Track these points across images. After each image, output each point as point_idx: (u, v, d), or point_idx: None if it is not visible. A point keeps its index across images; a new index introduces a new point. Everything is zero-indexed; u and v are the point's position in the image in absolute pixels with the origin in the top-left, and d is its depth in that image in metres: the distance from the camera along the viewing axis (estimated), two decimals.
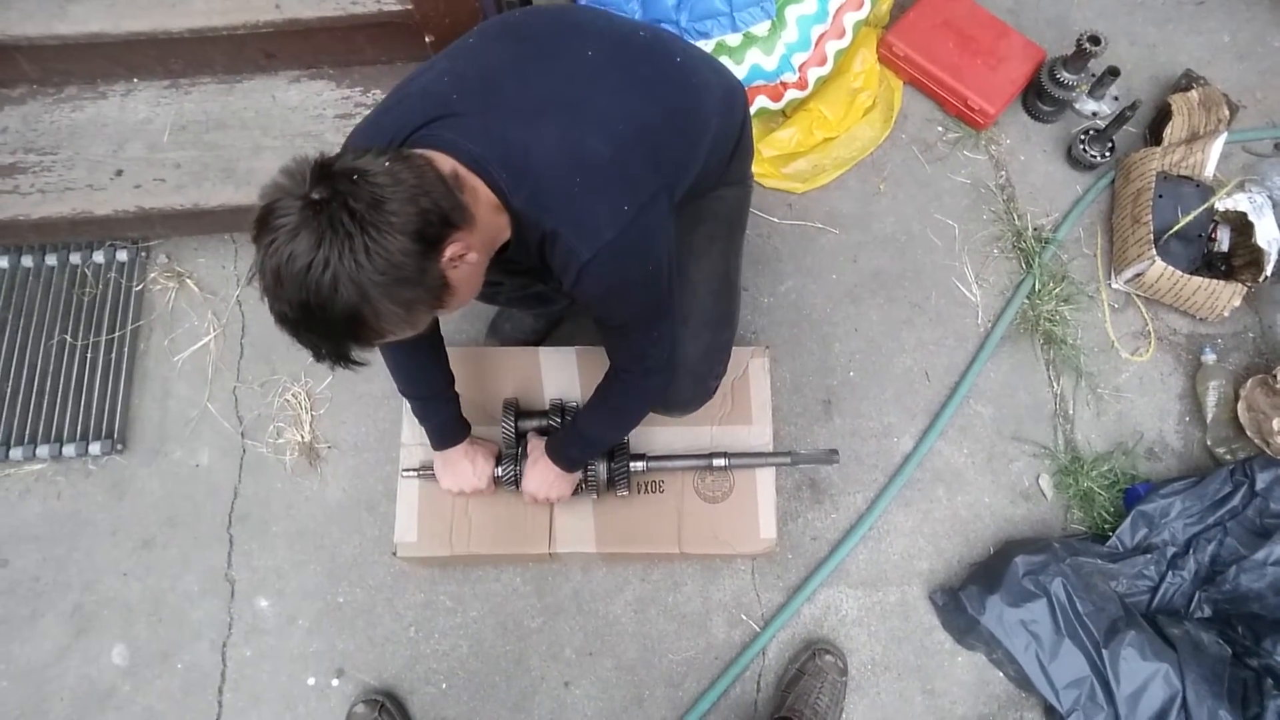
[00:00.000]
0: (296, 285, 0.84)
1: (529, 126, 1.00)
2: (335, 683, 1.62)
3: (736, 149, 1.29)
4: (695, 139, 1.15)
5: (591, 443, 1.37)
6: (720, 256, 1.39)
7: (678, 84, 1.14)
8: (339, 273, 0.83)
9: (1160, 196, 1.79)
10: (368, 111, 1.74)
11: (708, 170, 1.22)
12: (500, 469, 1.46)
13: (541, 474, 1.40)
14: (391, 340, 0.95)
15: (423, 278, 0.90)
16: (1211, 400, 1.76)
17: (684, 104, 1.14)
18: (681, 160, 1.13)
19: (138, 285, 1.87)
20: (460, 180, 0.96)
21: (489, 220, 1.00)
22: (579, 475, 1.44)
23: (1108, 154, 1.92)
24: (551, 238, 1.02)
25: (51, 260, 1.88)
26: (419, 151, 0.94)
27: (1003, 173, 1.98)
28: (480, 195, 0.99)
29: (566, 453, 1.38)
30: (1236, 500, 1.57)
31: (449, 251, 0.92)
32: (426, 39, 1.57)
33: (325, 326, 0.88)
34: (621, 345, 1.21)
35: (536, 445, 1.43)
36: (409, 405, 1.41)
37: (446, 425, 1.40)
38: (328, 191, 0.83)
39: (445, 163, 0.96)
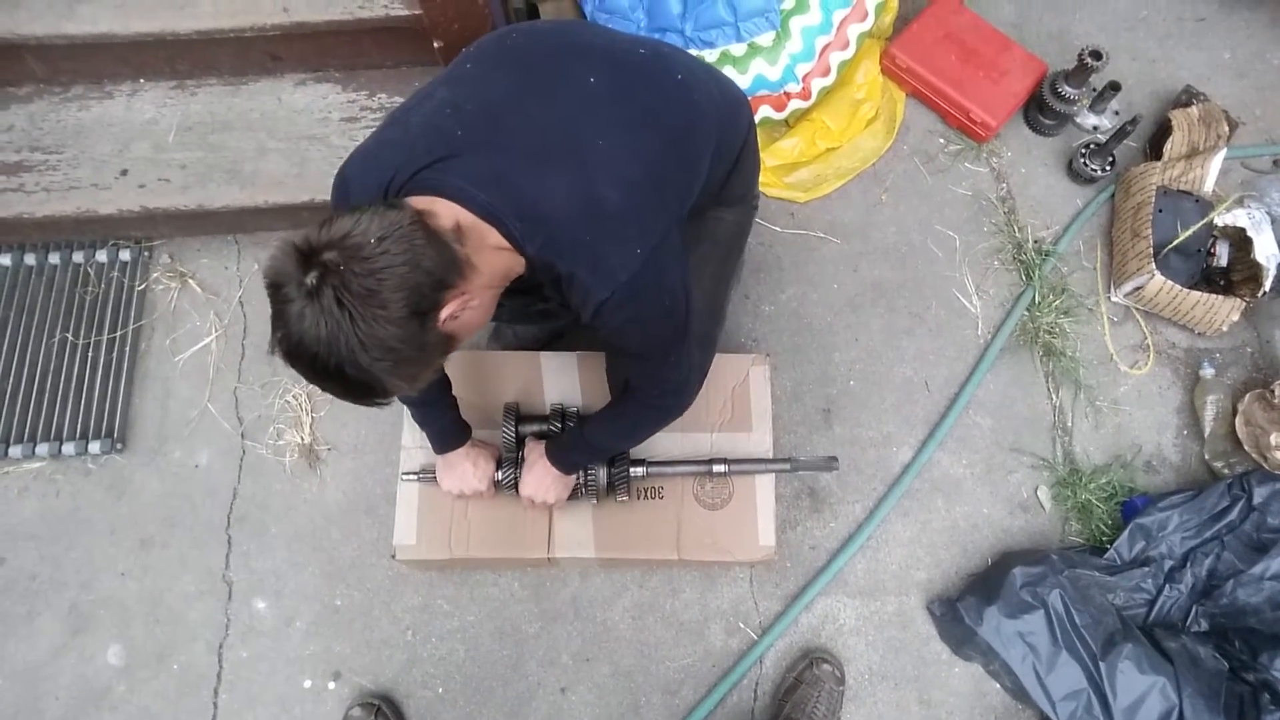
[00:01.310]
0: (308, 365, 0.89)
1: (538, 173, 1.00)
2: (332, 685, 1.61)
3: (737, 163, 1.29)
4: (697, 159, 1.15)
5: (597, 451, 1.38)
6: (711, 280, 1.40)
7: (679, 104, 1.13)
8: (343, 359, 0.87)
9: (1160, 211, 1.80)
10: (373, 115, 1.79)
11: (710, 184, 1.22)
12: (500, 473, 1.46)
13: (539, 476, 1.41)
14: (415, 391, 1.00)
15: (423, 351, 0.93)
16: (1209, 414, 1.76)
17: (685, 123, 1.13)
18: (687, 187, 1.14)
19: (140, 285, 1.88)
20: (462, 232, 0.95)
21: (495, 263, 1.01)
22: (575, 479, 1.44)
23: (1108, 168, 1.93)
24: (568, 278, 1.03)
25: (55, 259, 1.88)
26: (415, 207, 0.92)
27: (1004, 185, 2.00)
28: (488, 240, 0.99)
29: (569, 457, 1.38)
30: (1234, 514, 1.57)
31: (445, 312, 0.93)
32: (435, 44, 1.58)
33: (343, 391, 0.93)
34: (639, 371, 1.22)
35: (535, 448, 1.43)
36: (408, 411, 1.41)
37: (447, 430, 1.41)
38: (318, 279, 0.84)
39: (447, 216, 0.95)
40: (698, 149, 1.15)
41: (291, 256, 0.86)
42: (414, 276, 0.88)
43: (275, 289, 0.87)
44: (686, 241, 1.30)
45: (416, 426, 1.55)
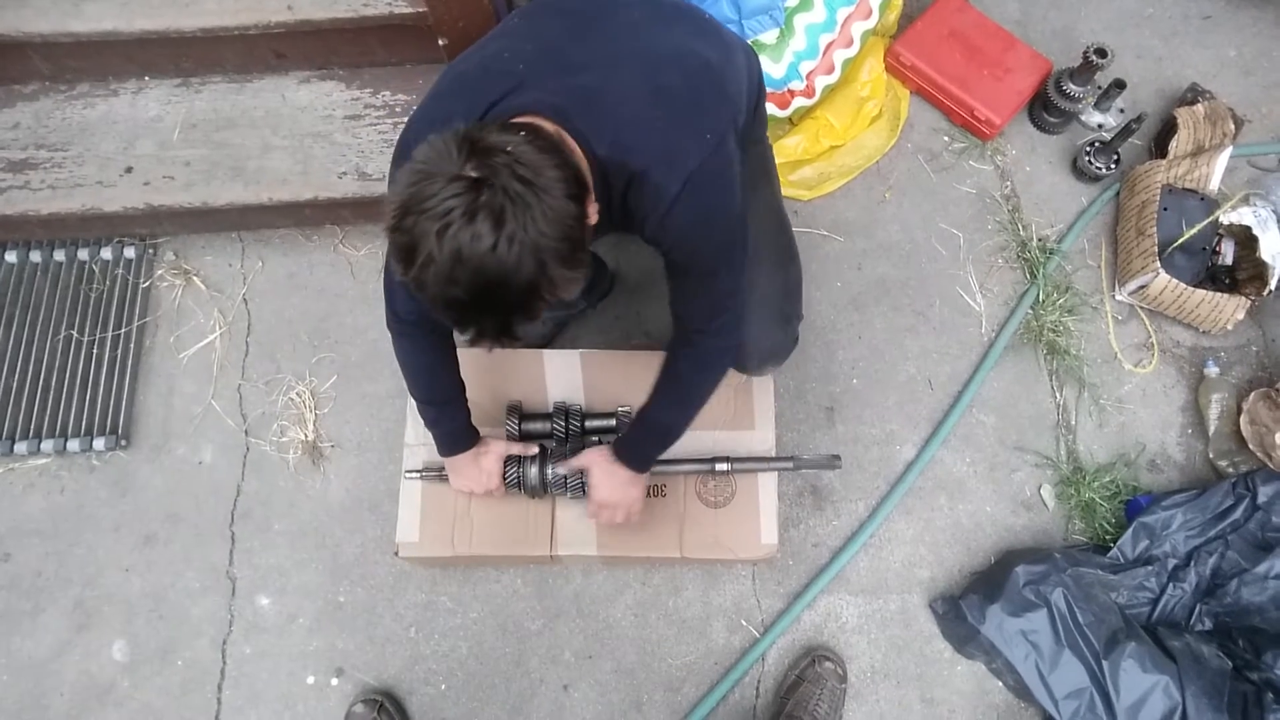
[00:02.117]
0: (480, 266, 0.82)
1: (603, 75, 1.02)
2: (334, 682, 1.62)
3: (758, 107, 1.33)
4: (737, 89, 1.18)
5: (666, 431, 1.32)
6: (769, 195, 1.41)
7: (715, 37, 1.18)
8: (524, 245, 0.82)
9: (1165, 209, 1.80)
10: (377, 112, 1.79)
11: (747, 118, 1.24)
12: (505, 472, 1.46)
13: (611, 481, 1.34)
14: (572, 294, 0.94)
15: (584, 239, 0.90)
16: (1214, 413, 1.76)
17: (723, 55, 1.16)
18: (739, 95, 1.16)
19: (144, 282, 1.88)
20: (569, 143, 0.96)
21: (590, 179, 1.00)
22: (647, 478, 1.38)
23: (1113, 166, 1.93)
24: (639, 180, 1.02)
25: (60, 256, 1.89)
26: (532, 119, 0.94)
27: (1008, 183, 1.99)
28: (579, 155, 0.98)
29: (640, 452, 1.33)
30: (1238, 513, 1.57)
31: (590, 211, 0.92)
32: (440, 41, 1.58)
33: (500, 303, 0.86)
34: (700, 294, 1.17)
35: (599, 454, 1.36)
36: (418, 410, 1.38)
37: (457, 433, 1.39)
38: (485, 168, 0.81)
39: (548, 125, 0.96)
40: (737, 78, 1.18)
41: (441, 153, 0.82)
42: (566, 169, 0.88)
43: (419, 195, 0.81)
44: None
45: (419, 423, 1.55)
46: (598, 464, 1.36)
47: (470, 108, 1.00)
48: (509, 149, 0.83)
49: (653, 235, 1.07)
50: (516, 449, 1.44)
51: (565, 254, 0.86)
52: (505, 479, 1.45)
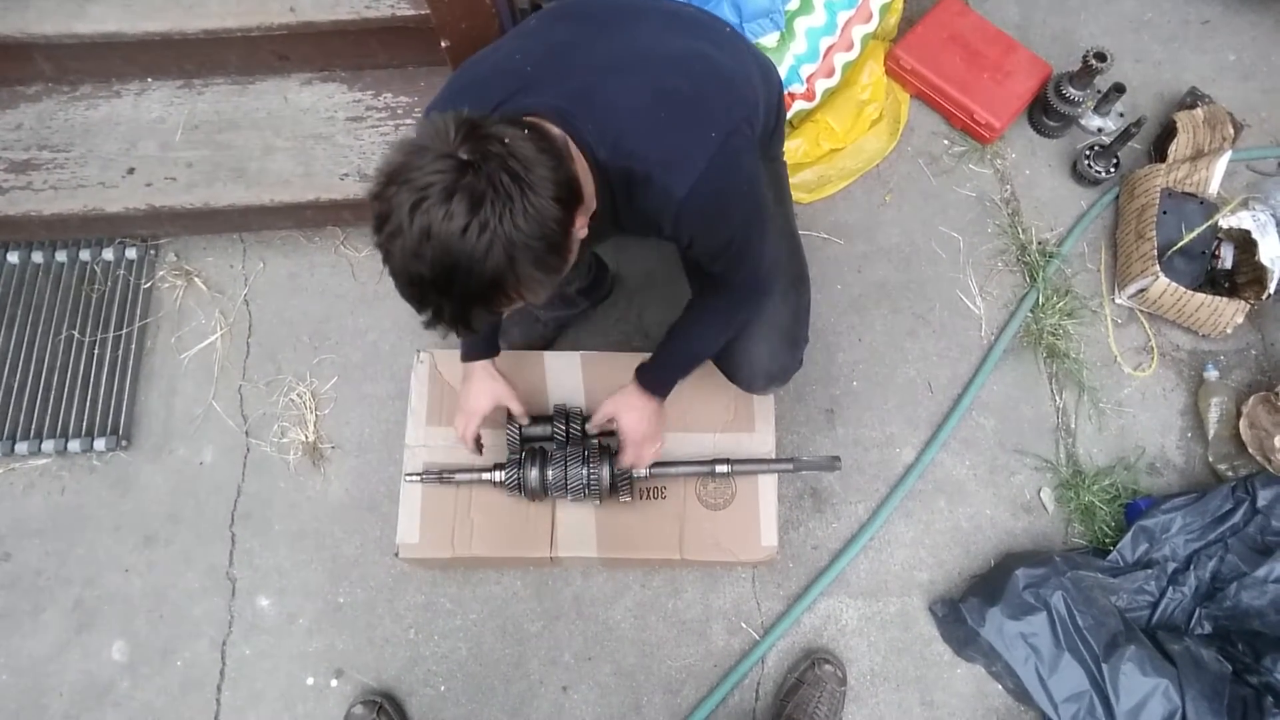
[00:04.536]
0: (447, 246, 0.81)
1: (608, 79, 1.02)
2: (334, 683, 1.62)
3: (776, 127, 1.33)
4: (753, 93, 1.18)
5: (695, 358, 1.33)
6: (783, 219, 1.41)
7: (732, 52, 1.18)
8: (496, 236, 0.81)
9: (1164, 213, 1.80)
10: (379, 114, 1.79)
11: (762, 135, 1.23)
12: (504, 473, 1.46)
13: (642, 417, 1.35)
14: (512, 309, 0.93)
15: (564, 245, 0.89)
16: (1214, 417, 1.76)
17: (737, 74, 1.16)
18: (752, 98, 1.16)
19: (146, 283, 1.88)
20: (570, 151, 0.96)
21: (589, 187, 1.01)
22: (665, 419, 1.40)
23: (1112, 170, 1.93)
24: (643, 182, 1.01)
25: (61, 256, 1.89)
26: (539, 120, 0.94)
27: (1008, 187, 1.99)
28: (580, 163, 0.98)
29: (668, 376, 1.33)
30: (1238, 517, 1.57)
31: (578, 221, 0.92)
32: (442, 44, 1.58)
33: (463, 290, 0.85)
34: (727, 262, 1.17)
35: (622, 399, 1.36)
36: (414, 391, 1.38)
37: (481, 337, 1.36)
38: (477, 153, 0.81)
39: (556, 131, 0.95)
40: (749, 84, 1.18)
41: (439, 133, 0.82)
42: (562, 172, 0.87)
43: (408, 168, 0.81)
44: None
45: (420, 425, 1.55)
46: (625, 407, 1.36)
47: (478, 107, 1.00)
48: (506, 140, 0.83)
49: (671, 234, 1.08)
50: (518, 408, 1.43)
51: (539, 254, 0.85)
52: (504, 481, 1.46)
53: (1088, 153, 1.94)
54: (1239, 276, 1.81)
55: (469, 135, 0.82)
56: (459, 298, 0.86)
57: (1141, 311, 1.87)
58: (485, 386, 1.41)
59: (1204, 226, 1.77)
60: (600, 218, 1.07)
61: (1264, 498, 1.56)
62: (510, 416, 1.49)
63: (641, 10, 1.16)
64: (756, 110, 1.17)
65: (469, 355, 1.40)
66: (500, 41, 1.13)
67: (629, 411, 1.36)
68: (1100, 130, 2.02)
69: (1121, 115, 2.02)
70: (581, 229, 0.95)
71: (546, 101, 0.99)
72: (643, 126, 1.01)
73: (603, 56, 1.06)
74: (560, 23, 1.13)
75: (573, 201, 0.90)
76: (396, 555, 1.52)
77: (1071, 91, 1.91)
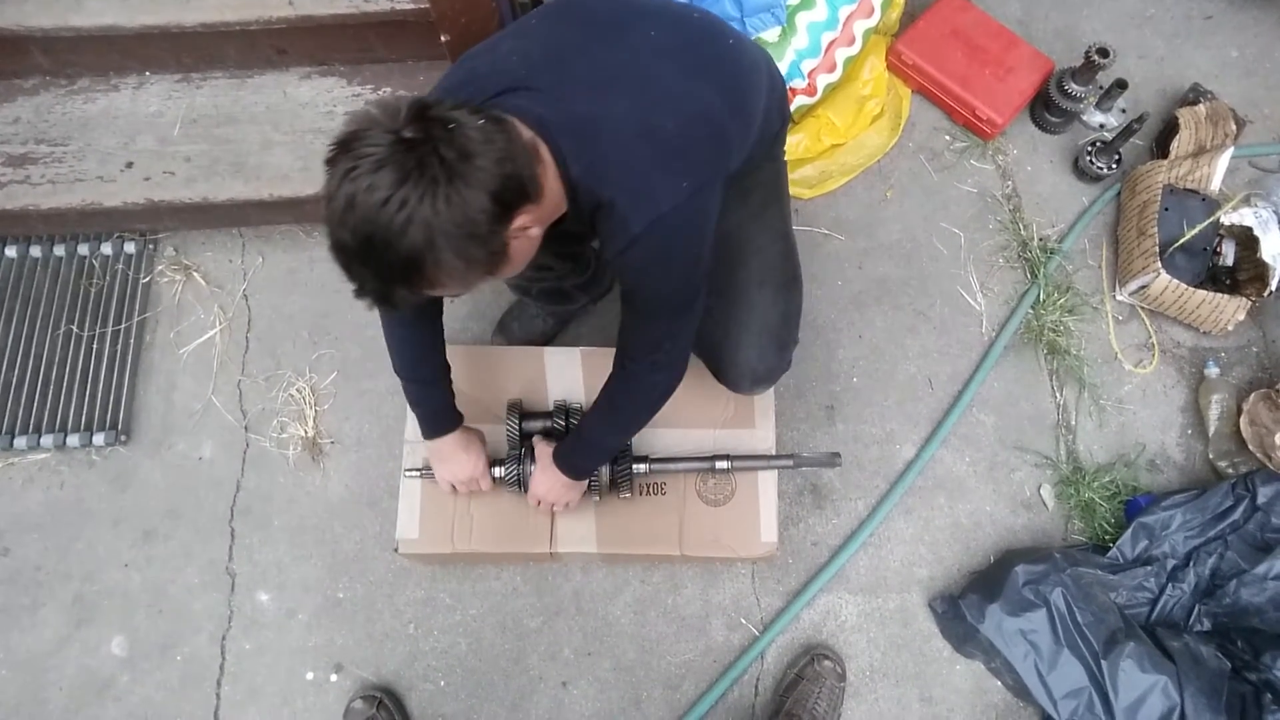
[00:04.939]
0: (367, 216, 0.83)
1: (599, 98, 1.02)
2: (334, 678, 1.62)
3: (780, 130, 1.32)
4: (750, 119, 1.17)
5: (595, 448, 1.36)
6: (778, 219, 1.40)
7: (735, 64, 1.16)
8: (414, 214, 0.83)
9: (1166, 209, 1.80)
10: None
11: (756, 150, 1.23)
12: (503, 469, 1.46)
13: (550, 481, 1.39)
14: (437, 294, 0.95)
15: (490, 240, 0.90)
16: (1214, 414, 1.76)
17: (741, 86, 1.15)
18: (739, 142, 1.15)
19: (145, 277, 1.88)
20: (538, 152, 0.97)
21: (553, 193, 1.01)
22: (585, 485, 1.43)
23: (1114, 166, 1.93)
24: (607, 207, 1.02)
25: (60, 251, 1.88)
26: (509, 117, 0.94)
27: (1009, 183, 1.99)
28: (549, 167, 0.99)
29: (572, 461, 1.36)
30: (1238, 514, 1.57)
31: (518, 221, 0.92)
32: (442, 38, 1.58)
33: (381, 264, 0.87)
34: (643, 327, 1.18)
35: (545, 451, 1.41)
36: (403, 389, 1.38)
37: (440, 413, 1.38)
38: (421, 133, 0.83)
39: (525, 131, 0.96)
40: (751, 111, 1.17)
41: (392, 111, 0.83)
42: (509, 166, 0.88)
43: (355, 136, 0.84)
44: (740, 193, 1.30)
45: (410, 406, 1.54)
46: (543, 468, 1.40)
47: (472, 100, 1.00)
48: (452, 126, 0.84)
49: (610, 261, 1.08)
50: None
51: (458, 242, 0.86)
52: (503, 477, 1.46)
53: (1089, 149, 1.93)
54: (1240, 273, 1.80)
55: (417, 116, 0.84)
56: (378, 272, 0.88)
57: (1142, 308, 1.87)
58: (472, 452, 1.41)
59: (1206, 223, 1.77)
60: (571, 221, 1.08)
61: (1264, 495, 1.56)
62: (509, 411, 1.49)
63: (648, 13, 1.14)
64: (745, 142, 1.17)
65: (435, 431, 1.38)
66: (499, 38, 1.12)
67: (543, 473, 1.40)
68: (1102, 126, 2.01)
69: (1123, 111, 2.02)
70: (529, 229, 0.95)
71: (531, 110, 0.98)
72: (620, 158, 1.01)
73: (598, 68, 1.05)
74: (561, 24, 1.11)
75: (514, 200, 0.91)
76: (396, 550, 1.52)
77: (1073, 87, 1.90)
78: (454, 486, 1.44)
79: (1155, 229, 1.77)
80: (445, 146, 0.83)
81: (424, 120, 0.84)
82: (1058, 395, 1.82)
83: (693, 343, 1.24)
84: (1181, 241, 1.77)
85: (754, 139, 1.20)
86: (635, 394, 1.28)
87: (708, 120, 1.08)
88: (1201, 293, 1.73)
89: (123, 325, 1.83)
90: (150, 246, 1.91)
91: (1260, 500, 1.56)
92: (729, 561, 1.66)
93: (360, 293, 0.92)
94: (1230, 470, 1.71)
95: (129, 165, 1.75)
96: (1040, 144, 2.02)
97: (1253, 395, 1.73)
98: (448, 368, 1.37)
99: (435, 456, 1.42)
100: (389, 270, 0.88)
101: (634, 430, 1.38)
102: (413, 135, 0.83)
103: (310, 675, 1.62)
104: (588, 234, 1.12)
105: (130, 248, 1.89)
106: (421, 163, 0.83)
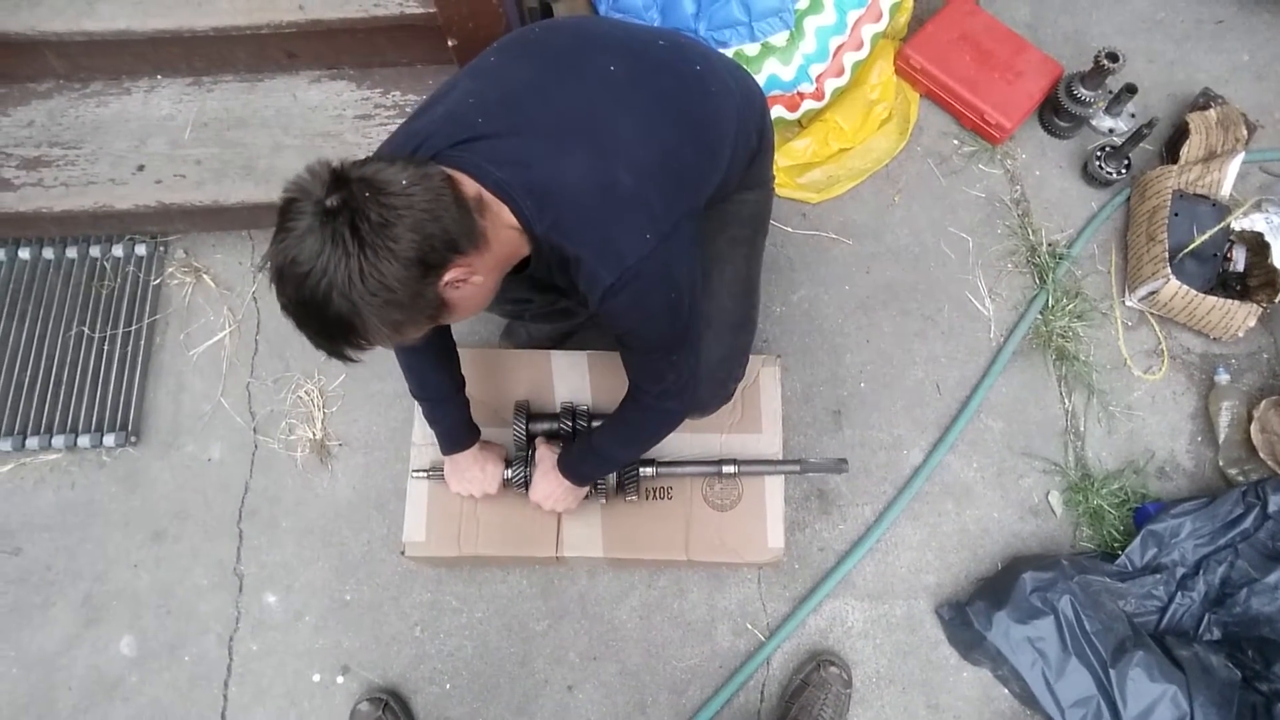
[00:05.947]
0: (295, 285, 0.87)
1: (554, 154, 1.02)
2: (340, 680, 1.63)
3: (758, 152, 1.30)
4: (716, 150, 1.16)
5: (604, 460, 1.37)
6: (743, 261, 1.40)
7: (698, 94, 1.15)
8: (333, 284, 0.86)
9: (1176, 215, 1.79)
10: (387, 112, 1.80)
11: (729, 177, 1.22)
12: (510, 471, 1.46)
13: (551, 485, 1.40)
14: (383, 346, 0.97)
15: (415, 301, 0.92)
16: (1224, 421, 1.75)
17: (705, 116, 1.14)
18: (704, 176, 1.15)
19: (155, 280, 1.89)
20: (483, 204, 0.97)
21: (506, 243, 1.02)
22: (586, 490, 1.43)
23: (1124, 171, 1.92)
24: (576, 262, 1.03)
25: (72, 253, 1.90)
26: (443, 169, 0.95)
27: (1018, 187, 1.98)
28: (503, 218, 1.00)
29: (578, 468, 1.37)
30: (1248, 522, 1.56)
31: (449, 275, 0.93)
32: (449, 42, 1.58)
33: (320, 326, 0.91)
34: (642, 364, 1.21)
35: (547, 455, 1.42)
36: (419, 407, 1.42)
37: (456, 429, 1.40)
38: (339, 201, 0.84)
39: (470, 185, 0.97)
40: (717, 139, 1.16)
41: (319, 177, 0.85)
42: (431, 226, 0.89)
43: (289, 204, 0.86)
44: (714, 227, 1.31)
45: (428, 423, 1.55)
46: (544, 472, 1.41)
47: (425, 153, 1.01)
48: (369, 194, 0.85)
49: (594, 311, 1.09)
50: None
51: (380, 310, 0.88)
52: (510, 479, 1.46)
53: (1099, 154, 1.92)
54: (1251, 279, 1.79)
55: (336, 185, 0.85)
56: (320, 332, 0.92)
57: (1152, 314, 1.86)
58: (489, 466, 1.43)
59: (1216, 229, 1.76)
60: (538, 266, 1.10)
61: (1275, 503, 1.54)
62: (516, 412, 1.50)
63: (608, 45, 1.12)
64: (712, 174, 1.16)
65: (452, 449, 1.42)
66: (457, 78, 1.11)
67: (544, 478, 1.41)
68: (1111, 131, 2.00)
69: (1133, 116, 2.01)
70: (471, 278, 0.96)
71: (486, 170, 0.99)
72: (580, 215, 1.01)
73: (554, 116, 1.03)
74: (519, 61, 1.10)
75: (441, 259, 0.91)
76: (403, 553, 1.53)
77: (1083, 92, 1.89)
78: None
79: (1165, 234, 1.76)
80: (361, 217, 0.84)
81: (344, 185, 0.85)
82: (1066, 401, 1.81)
83: (700, 365, 1.24)
84: (1191, 247, 1.76)
85: (724, 165, 1.18)
86: (649, 419, 1.30)
87: (664, 166, 1.06)
88: (1211, 299, 1.72)
89: (133, 327, 1.85)
90: (161, 249, 1.92)
91: (1271, 508, 1.55)
92: (735, 566, 1.66)
93: (316, 347, 0.95)
94: (1241, 478, 1.70)
95: (140, 168, 1.76)
96: (1049, 149, 2.01)
97: (1263, 402, 1.72)
98: (462, 383, 1.38)
99: (451, 469, 1.45)
100: (328, 332, 0.92)
101: (646, 449, 1.39)
102: (334, 205, 0.84)
103: (317, 677, 1.63)
104: (559, 280, 1.12)
105: (141, 250, 1.90)
106: (335, 235, 0.84)
